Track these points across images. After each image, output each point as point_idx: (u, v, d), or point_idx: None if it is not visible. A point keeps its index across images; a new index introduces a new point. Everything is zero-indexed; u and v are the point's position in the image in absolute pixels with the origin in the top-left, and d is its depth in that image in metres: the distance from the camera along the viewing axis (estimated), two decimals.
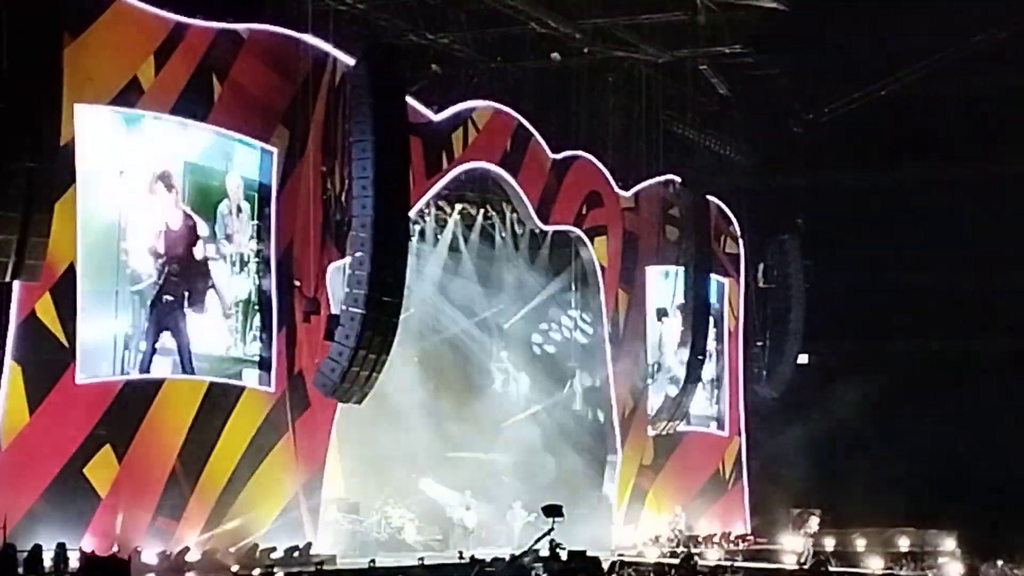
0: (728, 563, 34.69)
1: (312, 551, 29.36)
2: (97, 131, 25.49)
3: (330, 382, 28.39)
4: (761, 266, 44.45)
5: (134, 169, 26.35)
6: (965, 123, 42.25)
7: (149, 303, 26.65)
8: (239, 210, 28.52)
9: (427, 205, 34.56)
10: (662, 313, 40.29)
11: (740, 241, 44.27)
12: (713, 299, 41.52)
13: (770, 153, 43.90)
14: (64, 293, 24.90)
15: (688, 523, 40.43)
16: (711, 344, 41.37)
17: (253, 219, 28.72)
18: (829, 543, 38.35)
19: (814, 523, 38.88)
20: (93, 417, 25.45)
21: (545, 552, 28.20)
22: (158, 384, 26.76)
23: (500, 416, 38.84)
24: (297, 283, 29.33)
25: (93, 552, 24.49)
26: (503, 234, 38.11)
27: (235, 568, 27.27)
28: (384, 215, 28.01)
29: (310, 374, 29.14)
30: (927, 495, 40.53)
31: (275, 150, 28.97)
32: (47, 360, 24.76)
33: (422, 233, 35.71)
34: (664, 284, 40.67)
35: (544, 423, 39.00)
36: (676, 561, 32.77)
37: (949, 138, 42.36)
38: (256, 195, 28.82)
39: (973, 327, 43.38)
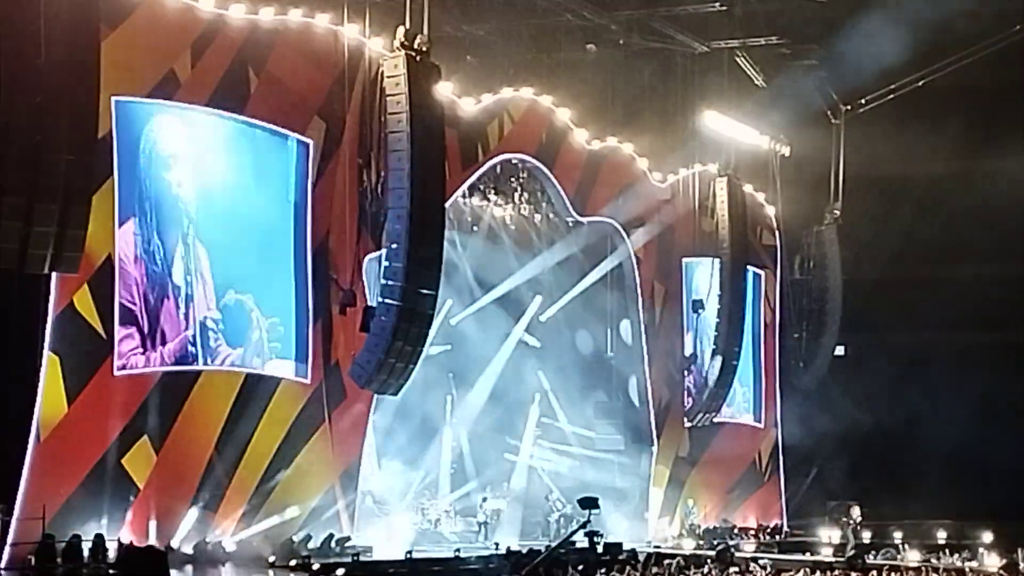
0: (764, 554, 34.64)
1: (349, 542, 29.45)
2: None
3: (366, 373, 28.41)
4: (798, 258, 44.31)
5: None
6: (1003, 114, 41.95)
7: None
8: None
9: (463, 196, 34.53)
10: (698, 305, 40.18)
11: (777, 232, 44.12)
12: (750, 291, 41.39)
13: (807, 144, 43.68)
14: (102, 285, 25.03)
15: (718, 514, 40.41)
16: (747, 336, 41.23)
17: None
18: (866, 535, 38.21)
19: (856, 513, 38.70)
20: (131, 408, 25.59)
21: (582, 543, 28.24)
22: (195, 376, 26.88)
23: (539, 410, 38.82)
24: (333, 275, 29.40)
25: (131, 543, 24.62)
26: (539, 225, 38.04)
27: (272, 559, 27.36)
28: (420, 207, 27.98)
29: (346, 365, 29.18)
30: (965, 487, 40.31)
31: (311, 142, 29.03)
32: (85, 351, 24.92)
33: (458, 224, 35.67)
34: (700, 276, 40.59)
35: (584, 417, 39.00)
36: (712, 553, 32.78)
37: (986, 129, 42.04)
38: None
39: (1012, 318, 43.11)
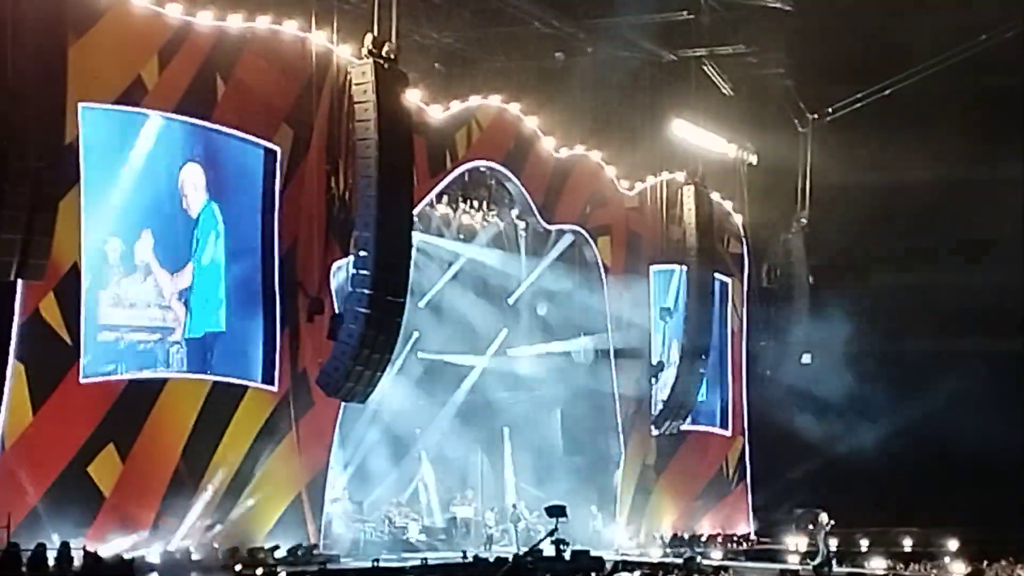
0: (731, 562, 34.70)
1: (315, 551, 29.37)
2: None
3: (333, 381, 28.38)
4: (765, 265, 44.42)
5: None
6: (969, 122, 42.14)
7: None
8: None
9: (431, 204, 34.49)
10: (666, 312, 40.24)
11: (744, 240, 44.23)
12: (717, 298, 41.47)
13: (774, 152, 43.81)
14: (68, 292, 24.90)
15: (684, 522, 40.46)
16: (714, 343, 41.28)
17: None
18: (832, 543, 38.27)
19: (824, 521, 38.80)
20: (97, 416, 25.46)
21: (549, 552, 28.23)
22: (162, 383, 26.78)
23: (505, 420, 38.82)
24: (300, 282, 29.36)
25: (97, 551, 24.49)
26: (507, 234, 38.03)
27: (238, 568, 27.25)
28: (388, 214, 27.97)
29: (314, 373, 29.10)
30: (931, 494, 40.46)
31: (279, 149, 28.96)
32: (51, 359, 24.76)
33: (426, 232, 35.62)
34: (668, 283, 40.63)
35: (551, 424, 39.00)
36: (679, 561, 32.81)
37: (953, 138, 42.22)
38: None
39: (979, 326, 43.29)
